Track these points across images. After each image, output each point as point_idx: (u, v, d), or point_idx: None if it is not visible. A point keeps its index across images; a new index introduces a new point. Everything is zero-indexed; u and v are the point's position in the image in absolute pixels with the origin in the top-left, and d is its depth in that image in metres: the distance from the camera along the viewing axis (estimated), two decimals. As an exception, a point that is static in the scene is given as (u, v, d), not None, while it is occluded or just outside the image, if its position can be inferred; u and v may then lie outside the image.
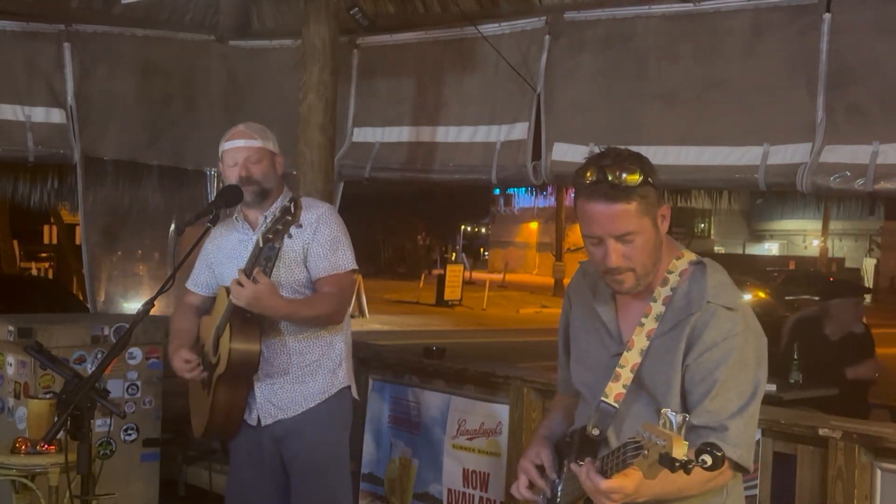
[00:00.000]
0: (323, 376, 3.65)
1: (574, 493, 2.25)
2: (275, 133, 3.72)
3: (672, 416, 1.84)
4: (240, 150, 3.58)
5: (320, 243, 3.57)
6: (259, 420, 3.65)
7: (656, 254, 2.26)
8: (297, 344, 3.61)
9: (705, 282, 2.25)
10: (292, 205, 3.19)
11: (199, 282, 3.85)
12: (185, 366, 3.58)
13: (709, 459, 1.80)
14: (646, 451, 1.84)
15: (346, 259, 3.62)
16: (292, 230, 3.30)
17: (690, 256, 2.33)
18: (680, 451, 1.79)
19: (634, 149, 2.27)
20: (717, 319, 2.20)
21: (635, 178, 2.16)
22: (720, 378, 2.18)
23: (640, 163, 2.21)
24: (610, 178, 2.16)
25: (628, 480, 1.99)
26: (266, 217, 3.58)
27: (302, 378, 3.62)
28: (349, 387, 3.74)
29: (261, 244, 3.30)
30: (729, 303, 2.23)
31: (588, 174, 2.19)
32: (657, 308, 2.26)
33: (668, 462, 1.79)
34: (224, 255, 3.72)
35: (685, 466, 1.79)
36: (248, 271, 3.33)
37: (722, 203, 6.32)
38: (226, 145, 3.61)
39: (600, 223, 2.19)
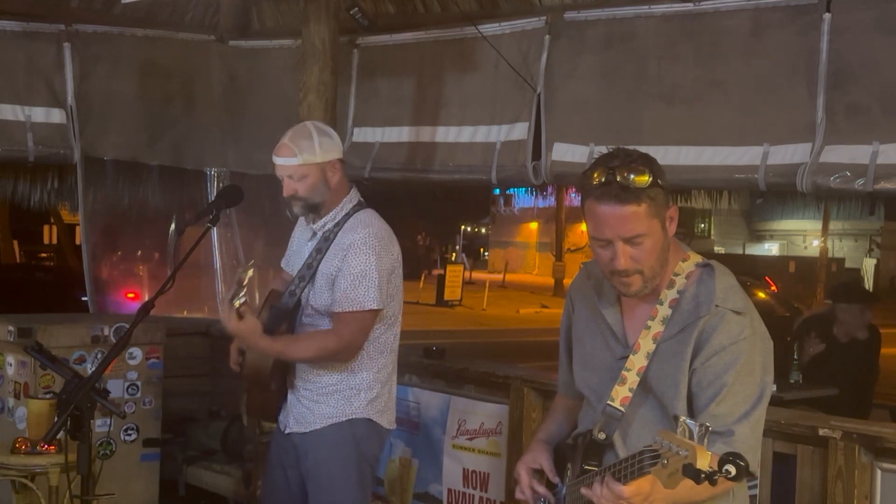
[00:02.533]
0: (336, 401, 3.52)
1: (580, 500, 2.24)
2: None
3: (691, 424, 1.80)
4: (282, 168, 3.45)
5: (345, 275, 3.41)
6: (285, 427, 3.63)
7: (664, 256, 2.24)
8: (317, 365, 3.52)
9: (713, 285, 2.23)
10: (246, 274, 3.20)
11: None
12: (234, 354, 3.55)
13: (733, 470, 1.76)
14: (665, 461, 1.80)
15: (366, 297, 3.41)
16: (329, 252, 3.40)
17: (697, 258, 2.31)
18: (704, 461, 1.75)
19: (635, 149, 2.26)
20: (726, 323, 2.19)
21: (645, 180, 2.14)
22: (728, 382, 2.16)
23: (650, 164, 2.19)
24: (619, 180, 2.13)
25: (646, 483, 1.98)
26: (325, 223, 3.53)
27: (317, 397, 3.53)
28: (368, 419, 3.55)
29: (231, 299, 3.28)
30: (737, 306, 2.22)
31: (596, 175, 2.17)
32: (664, 311, 2.24)
33: (692, 473, 1.75)
34: (294, 247, 3.71)
35: (710, 478, 1.75)
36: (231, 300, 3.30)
37: (722, 203, 6.33)
38: (273, 159, 3.50)
39: (610, 225, 2.17)
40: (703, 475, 1.74)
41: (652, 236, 2.19)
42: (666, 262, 2.26)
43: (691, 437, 1.79)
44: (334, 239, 3.48)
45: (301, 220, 3.71)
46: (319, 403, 3.53)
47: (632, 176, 2.14)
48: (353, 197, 3.57)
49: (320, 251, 3.49)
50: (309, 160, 3.42)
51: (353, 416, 3.52)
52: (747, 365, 2.18)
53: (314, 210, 3.50)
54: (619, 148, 2.24)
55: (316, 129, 3.52)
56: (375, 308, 3.43)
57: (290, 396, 3.60)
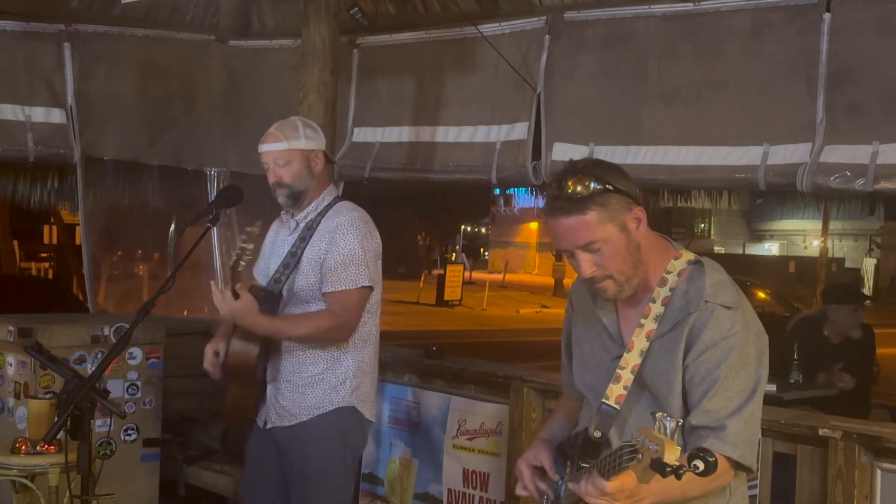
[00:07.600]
0: (322, 391, 3.57)
1: (574, 496, 2.24)
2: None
3: (666, 420, 1.84)
4: (268, 154, 3.57)
5: (333, 256, 3.51)
6: (265, 422, 3.67)
7: (633, 258, 2.24)
8: (302, 354, 3.58)
9: (703, 281, 2.24)
10: (254, 230, 3.26)
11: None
12: (210, 356, 3.60)
13: (701, 465, 1.79)
14: (640, 456, 1.83)
15: (357, 275, 3.51)
16: (313, 238, 3.44)
17: (689, 256, 2.32)
18: (672, 456, 1.78)
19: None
20: (716, 319, 2.19)
21: (588, 188, 2.16)
22: (720, 377, 2.17)
23: (599, 170, 2.20)
24: (563, 192, 2.17)
25: (629, 479, 1.98)
26: (308, 213, 3.60)
27: (302, 388, 3.58)
28: (353, 407, 3.62)
29: (234, 265, 3.34)
30: (727, 301, 2.22)
31: (546, 192, 2.22)
32: (656, 308, 2.25)
33: (659, 467, 1.79)
34: (268, 249, 3.75)
35: (676, 472, 1.78)
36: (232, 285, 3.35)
37: (722, 203, 6.31)
38: (259, 148, 3.62)
39: (564, 237, 2.21)
40: (668, 469, 1.78)
41: (610, 241, 2.21)
42: (640, 263, 2.26)
43: (665, 433, 1.82)
44: (317, 227, 3.58)
45: (273, 226, 3.81)
46: (305, 395, 3.58)
47: (576, 186, 2.17)
48: (333, 190, 3.71)
49: (304, 239, 3.58)
50: (294, 146, 3.55)
51: (340, 405, 3.59)
52: (740, 359, 2.19)
53: (298, 199, 3.59)
54: (580, 159, 2.27)
55: (301, 121, 3.68)
56: (367, 285, 3.54)
57: (269, 391, 3.63)
